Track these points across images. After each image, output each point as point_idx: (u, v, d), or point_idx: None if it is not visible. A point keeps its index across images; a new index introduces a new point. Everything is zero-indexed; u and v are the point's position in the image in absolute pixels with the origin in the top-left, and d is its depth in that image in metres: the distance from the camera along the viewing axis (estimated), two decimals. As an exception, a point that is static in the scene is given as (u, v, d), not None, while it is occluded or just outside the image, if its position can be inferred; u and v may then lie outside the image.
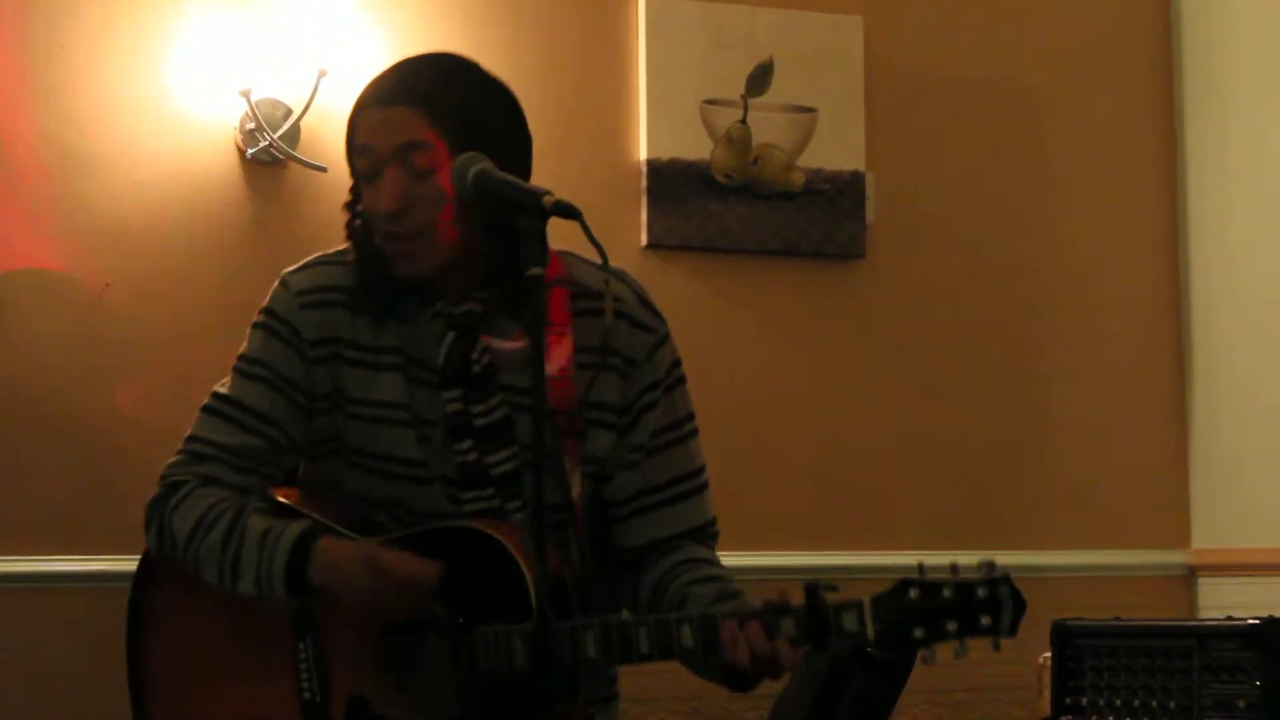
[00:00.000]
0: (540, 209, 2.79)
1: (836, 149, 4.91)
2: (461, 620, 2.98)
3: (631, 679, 4.51)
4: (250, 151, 4.37)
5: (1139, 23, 5.30)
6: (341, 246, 3.18)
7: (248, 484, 3.14)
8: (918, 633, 2.77)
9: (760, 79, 4.85)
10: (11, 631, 4.11)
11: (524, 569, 2.93)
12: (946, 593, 2.78)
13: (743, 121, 4.83)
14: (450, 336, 3.09)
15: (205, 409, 3.19)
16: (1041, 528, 5.08)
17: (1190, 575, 5.19)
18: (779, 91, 4.86)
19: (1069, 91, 5.22)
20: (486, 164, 2.94)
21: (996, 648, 2.79)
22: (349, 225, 3.15)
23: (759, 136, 4.83)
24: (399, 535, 3.05)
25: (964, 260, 5.07)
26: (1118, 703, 3.86)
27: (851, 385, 4.94)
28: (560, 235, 2.91)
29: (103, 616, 3.44)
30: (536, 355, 2.74)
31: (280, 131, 4.34)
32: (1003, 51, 5.16)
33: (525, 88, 4.62)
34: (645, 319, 3.21)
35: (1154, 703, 3.82)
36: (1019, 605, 2.82)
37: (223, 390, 3.19)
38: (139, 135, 4.31)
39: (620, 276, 3.21)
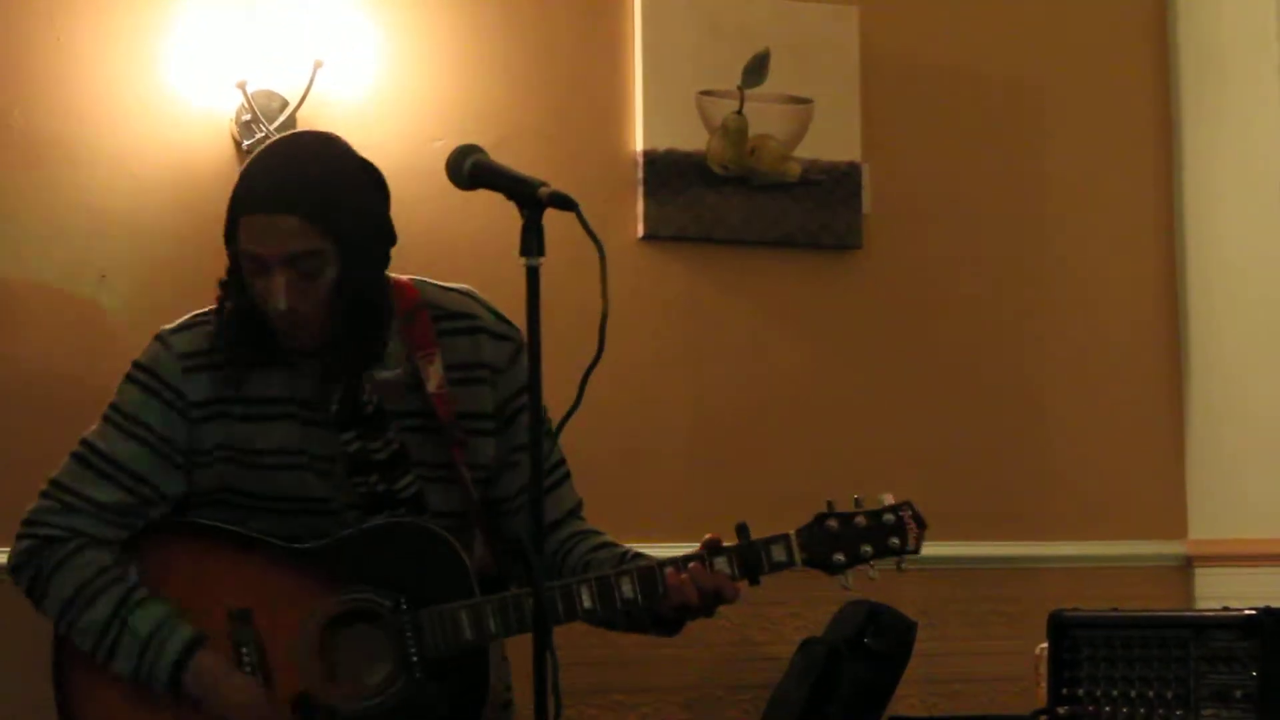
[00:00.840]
0: (537, 200, 2.80)
1: (833, 139, 4.90)
2: (404, 605, 3.12)
3: (627, 672, 4.53)
4: (246, 143, 4.36)
5: (1136, 12, 5.30)
6: (201, 309, 3.33)
7: (115, 537, 3.25)
8: (838, 557, 3.23)
9: (756, 70, 4.85)
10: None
11: (459, 553, 3.17)
12: (860, 520, 3.24)
13: (739, 112, 4.82)
14: (338, 388, 3.24)
15: (77, 458, 3.29)
16: (1038, 518, 5.08)
17: (1187, 566, 5.19)
18: (775, 82, 4.86)
19: (1065, 82, 5.22)
20: (482, 155, 2.95)
21: (900, 569, 3.23)
22: (221, 301, 3.28)
23: (755, 127, 4.83)
24: (330, 541, 3.18)
25: (960, 250, 5.07)
26: (1114, 693, 3.86)
27: (848, 375, 4.93)
28: (556, 226, 2.90)
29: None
30: (533, 345, 2.75)
31: (276, 123, 4.34)
32: (999, 42, 5.15)
33: (521, 78, 4.66)
34: (503, 330, 3.36)
35: (1151, 693, 3.82)
36: (921, 525, 3.27)
37: (96, 441, 3.29)
38: (135, 127, 4.31)
39: (468, 294, 3.39)
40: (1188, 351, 5.25)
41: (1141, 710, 3.82)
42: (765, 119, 4.84)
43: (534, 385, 2.76)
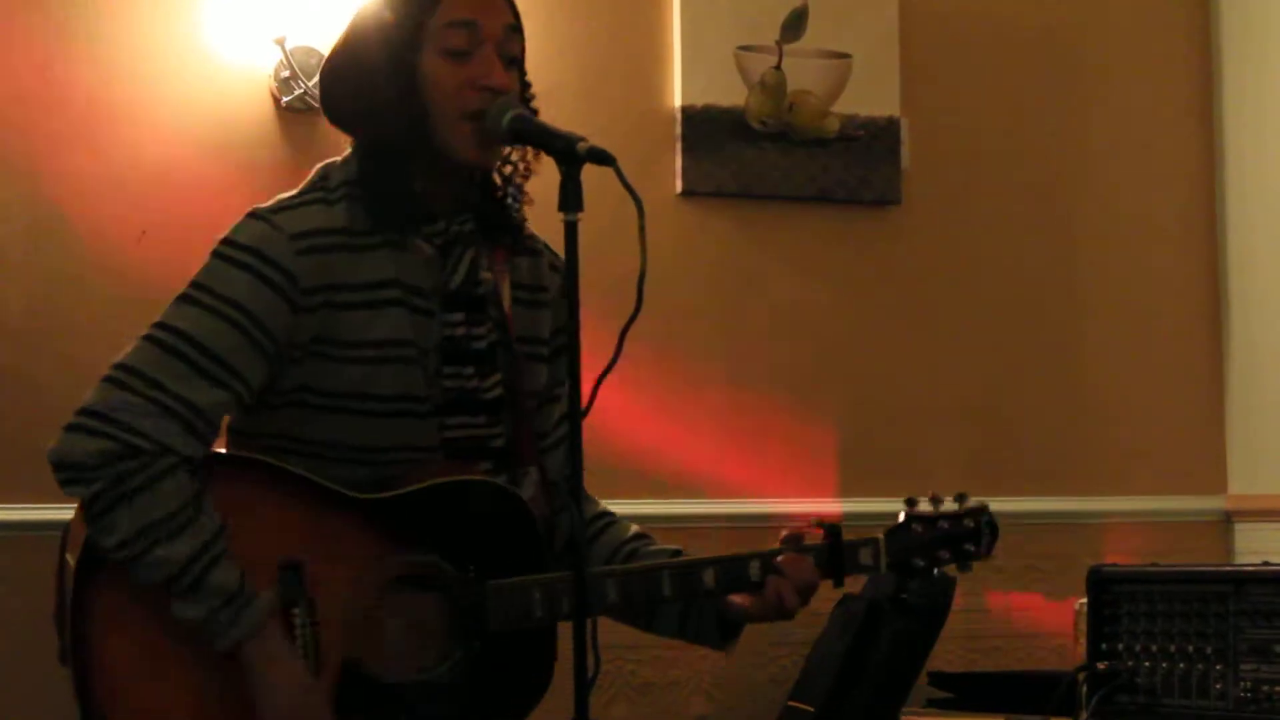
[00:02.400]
0: (575, 155, 2.79)
1: (872, 94, 4.89)
2: (472, 573, 2.96)
3: (653, 666, 4.55)
4: (285, 100, 4.37)
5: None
6: (295, 190, 3.04)
7: (199, 452, 2.88)
8: (918, 562, 3.22)
9: (795, 25, 4.83)
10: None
11: (535, 521, 3.00)
12: (942, 525, 3.23)
13: (777, 67, 4.81)
14: (470, 254, 3.04)
15: (160, 345, 2.88)
16: (1078, 474, 5.07)
17: (1227, 520, 5.19)
18: (814, 37, 4.85)
19: (1104, 34, 5.20)
20: (522, 109, 2.94)
21: (968, 569, 3.25)
22: (366, 141, 3.02)
23: (794, 82, 4.82)
24: (402, 493, 2.95)
25: (1000, 206, 5.06)
26: (1154, 648, 3.86)
27: (888, 331, 4.93)
28: (595, 182, 2.90)
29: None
30: (572, 300, 2.74)
31: (315, 80, 4.34)
32: (1039, -4, 5.14)
33: (559, 34, 4.65)
34: (558, 261, 3.17)
35: (1190, 648, 3.82)
36: (995, 531, 3.26)
37: (185, 327, 2.89)
38: (174, 84, 4.32)
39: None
40: (1228, 307, 5.24)
41: (1181, 665, 3.82)
42: (804, 74, 4.83)
43: (572, 342, 2.74)
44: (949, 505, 3.26)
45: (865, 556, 3.19)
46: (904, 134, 4.93)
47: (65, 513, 2.94)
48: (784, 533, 3.17)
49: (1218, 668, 3.78)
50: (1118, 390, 5.14)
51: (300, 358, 2.94)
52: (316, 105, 4.36)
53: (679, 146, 4.72)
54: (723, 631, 3.19)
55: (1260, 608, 3.74)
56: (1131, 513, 5.09)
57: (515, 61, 3.03)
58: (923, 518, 3.24)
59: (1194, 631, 3.82)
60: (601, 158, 2.79)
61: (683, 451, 4.63)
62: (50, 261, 4.23)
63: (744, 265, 4.80)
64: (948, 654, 4.75)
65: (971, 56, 5.05)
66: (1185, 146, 5.25)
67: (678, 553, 3.17)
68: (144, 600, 2.85)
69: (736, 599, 3.12)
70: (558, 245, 2.81)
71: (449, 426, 3.02)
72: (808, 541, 3.16)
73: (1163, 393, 5.18)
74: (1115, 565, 4.02)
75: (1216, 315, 5.24)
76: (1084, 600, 4.00)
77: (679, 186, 4.72)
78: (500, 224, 3.10)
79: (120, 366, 2.87)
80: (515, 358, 3.09)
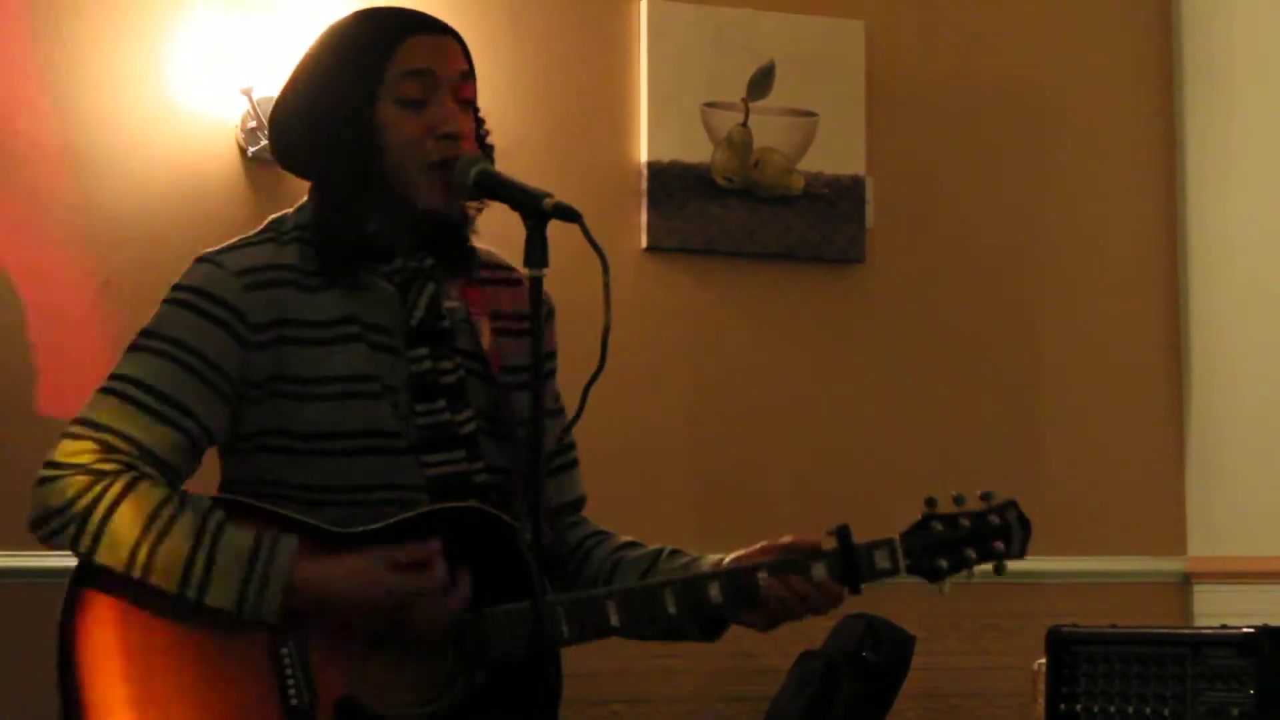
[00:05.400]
0: (541, 211, 2.79)
1: (837, 153, 4.91)
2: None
3: (625, 683, 4.53)
4: (252, 150, 4.37)
5: (1140, 29, 5.30)
6: (247, 234, 3.03)
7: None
8: (942, 563, 3.07)
9: (761, 82, 4.86)
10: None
11: (524, 545, 2.89)
12: (964, 522, 3.09)
13: (743, 124, 4.83)
14: (430, 289, 3.01)
15: (110, 393, 2.88)
16: (1038, 534, 5.02)
17: (1186, 583, 5.20)
18: (780, 95, 4.87)
19: (1070, 97, 5.23)
20: (488, 164, 2.95)
21: (999, 573, 3.07)
22: (320, 185, 3.00)
23: (760, 140, 4.84)
24: (390, 523, 2.90)
25: (963, 265, 5.08)
26: (1112, 709, 3.87)
27: (850, 389, 4.94)
28: (560, 236, 2.91)
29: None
30: (535, 355, 2.74)
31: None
32: (1004, 57, 5.16)
33: (526, 89, 4.67)
34: (542, 294, 3.06)
35: (1148, 710, 3.82)
36: (1026, 527, 3.13)
37: (131, 373, 2.88)
38: (141, 133, 4.32)
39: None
40: (1189, 368, 5.26)
41: (1139, 727, 3.83)
42: (770, 132, 4.85)
43: (534, 398, 2.74)
44: (974, 504, 3.13)
45: (882, 560, 3.05)
46: (869, 193, 4.95)
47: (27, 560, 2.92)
48: (786, 539, 3.07)
49: (1175, 730, 3.78)
50: (1078, 450, 5.15)
51: (259, 398, 2.92)
52: (283, 156, 4.37)
53: (644, 202, 4.73)
54: (703, 628, 3.11)
55: (1218, 671, 3.75)
56: (1091, 573, 5.09)
57: (470, 104, 3.03)
58: (943, 516, 3.10)
59: (1152, 694, 3.82)
60: (567, 214, 2.79)
61: (643, 504, 4.63)
62: (11, 314, 4.21)
63: (708, 321, 4.81)
64: (906, 713, 4.74)
65: (936, 116, 5.08)
66: (1149, 202, 5.28)
67: (675, 553, 3.12)
68: (135, 607, 2.82)
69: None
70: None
71: (430, 464, 2.98)
72: (806, 544, 3.05)
73: (1123, 453, 5.19)
74: (1074, 626, 4.02)
75: (1177, 376, 5.26)
76: (1043, 660, 4.00)
77: (644, 242, 4.73)
78: (459, 257, 3.07)
79: (76, 421, 2.88)
80: (496, 389, 3.06)
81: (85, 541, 2.82)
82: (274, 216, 3.07)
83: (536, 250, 2.76)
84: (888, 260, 4.99)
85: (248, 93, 4.33)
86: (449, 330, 3.04)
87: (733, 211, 4.81)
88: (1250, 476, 5.09)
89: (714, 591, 3.01)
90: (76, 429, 2.87)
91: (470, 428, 3.02)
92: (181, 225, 4.31)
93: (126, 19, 4.32)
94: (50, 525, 2.84)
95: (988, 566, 3.13)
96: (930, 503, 3.12)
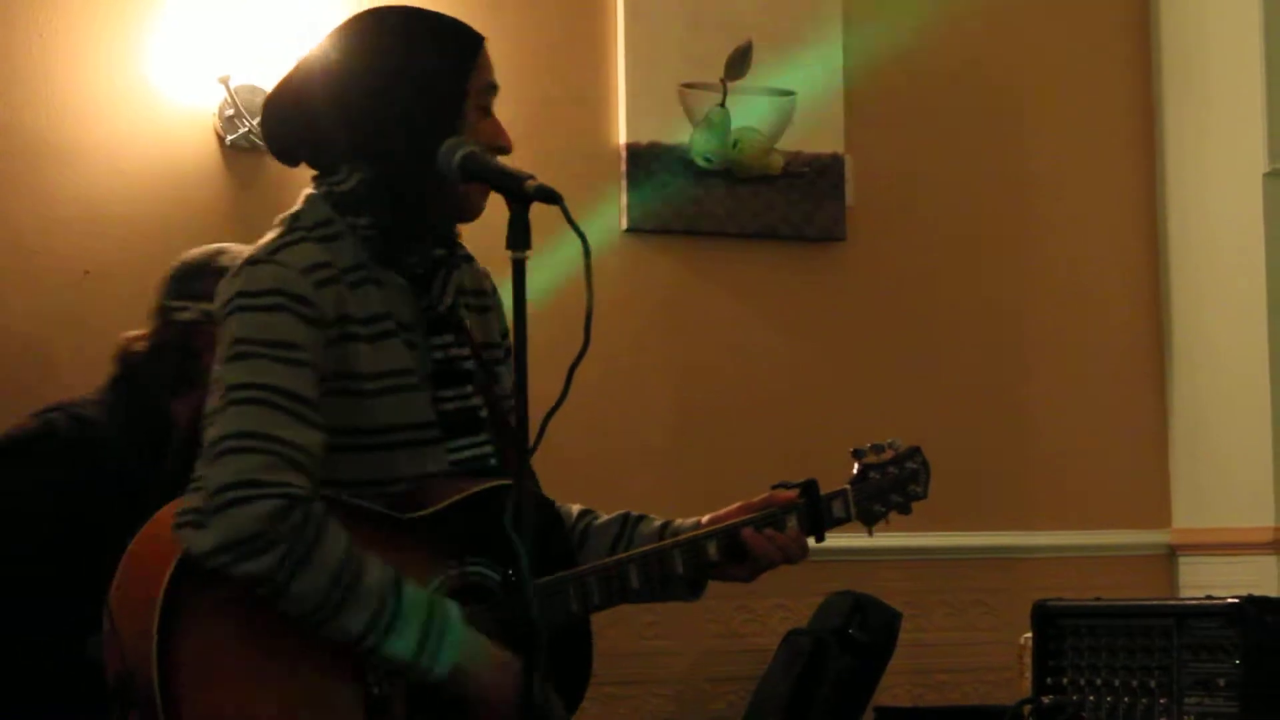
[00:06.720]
0: (523, 193, 2.79)
1: (816, 132, 4.91)
2: (512, 577, 2.96)
3: (615, 664, 4.54)
4: (229, 138, 4.37)
5: (1118, 5, 5.31)
6: (271, 237, 2.99)
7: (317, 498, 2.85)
8: (879, 508, 3.33)
9: (739, 62, 4.85)
10: None
11: (560, 519, 3.12)
12: (891, 470, 3.37)
13: (722, 105, 4.83)
14: (456, 277, 3.05)
15: (251, 403, 2.82)
16: (1023, 509, 5.09)
17: (1171, 555, 5.21)
18: (758, 75, 4.87)
19: (1048, 73, 5.23)
20: (473, 147, 2.95)
21: (908, 511, 3.35)
22: (400, 176, 2.98)
23: (738, 120, 4.84)
24: (435, 510, 2.94)
25: (944, 242, 5.09)
26: (1098, 682, 3.88)
27: (832, 367, 4.95)
28: (541, 219, 2.91)
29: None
30: (519, 339, 2.74)
31: (259, 118, 4.33)
32: (981, 34, 5.17)
33: (505, 72, 4.61)
34: (481, 267, 3.19)
35: (1134, 682, 3.83)
36: (928, 469, 3.41)
37: (256, 379, 2.83)
38: (118, 122, 4.31)
39: None
40: (1171, 342, 5.27)
41: (1125, 699, 3.84)
42: (748, 111, 4.85)
43: (520, 382, 2.74)
44: (887, 454, 3.39)
45: (838, 509, 3.28)
46: (848, 171, 4.95)
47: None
48: (762, 496, 3.23)
49: (1162, 701, 3.79)
50: (1062, 425, 5.16)
51: (325, 395, 2.90)
52: (261, 144, 4.34)
53: (624, 183, 4.73)
54: (690, 586, 3.21)
55: (1204, 641, 3.76)
56: (1076, 547, 5.11)
57: None
58: (877, 466, 3.36)
59: (1138, 666, 3.83)
60: (548, 196, 2.80)
61: (627, 485, 4.63)
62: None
63: (689, 302, 4.81)
64: (894, 688, 4.75)
65: (915, 94, 5.08)
66: (1128, 182, 5.29)
67: (624, 518, 3.23)
68: (231, 602, 2.80)
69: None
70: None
71: (455, 449, 3.02)
72: (782, 500, 3.23)
73: (1107, 428, 5.21)
74: (1060, 600, 4.03)
75: (1160, 351, 5.27)
76: (1029, 635, 4.01)
77: (624, 223, 4.73)
78: (455, 246, 3.09)
79: (226, 437, 2.80)
80: (490, 370, 3.11)
81: (284, 575, 2.78)
82: (287, 215, 3.04)
83: (520, 233, 2.76)
84: (868, 238, 4.99)
85: (225, 81, 4.32)
86: (460, 319, 3.07)
87: (712, 192, 4.81)
88: (1233, 449, 5.10)
89: (712, 549, 3.14)
90: (239, 442, 2.79)
91: (484, 413, 3.06)
92: (160, 214, 4.31)
93: (103, 7, 4.31)
94: (242, 551, 2.77)
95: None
96: (858, 454, 3.36)
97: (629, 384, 4.69)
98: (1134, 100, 5.31)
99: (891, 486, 3.36)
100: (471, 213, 3.03)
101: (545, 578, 2.97)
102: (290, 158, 3.11)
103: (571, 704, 3.04)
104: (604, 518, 3.25)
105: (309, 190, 3.06)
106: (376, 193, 3.02)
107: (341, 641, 2.80)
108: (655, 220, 4.76)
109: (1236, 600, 3.77)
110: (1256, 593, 3.84)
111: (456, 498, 2.96)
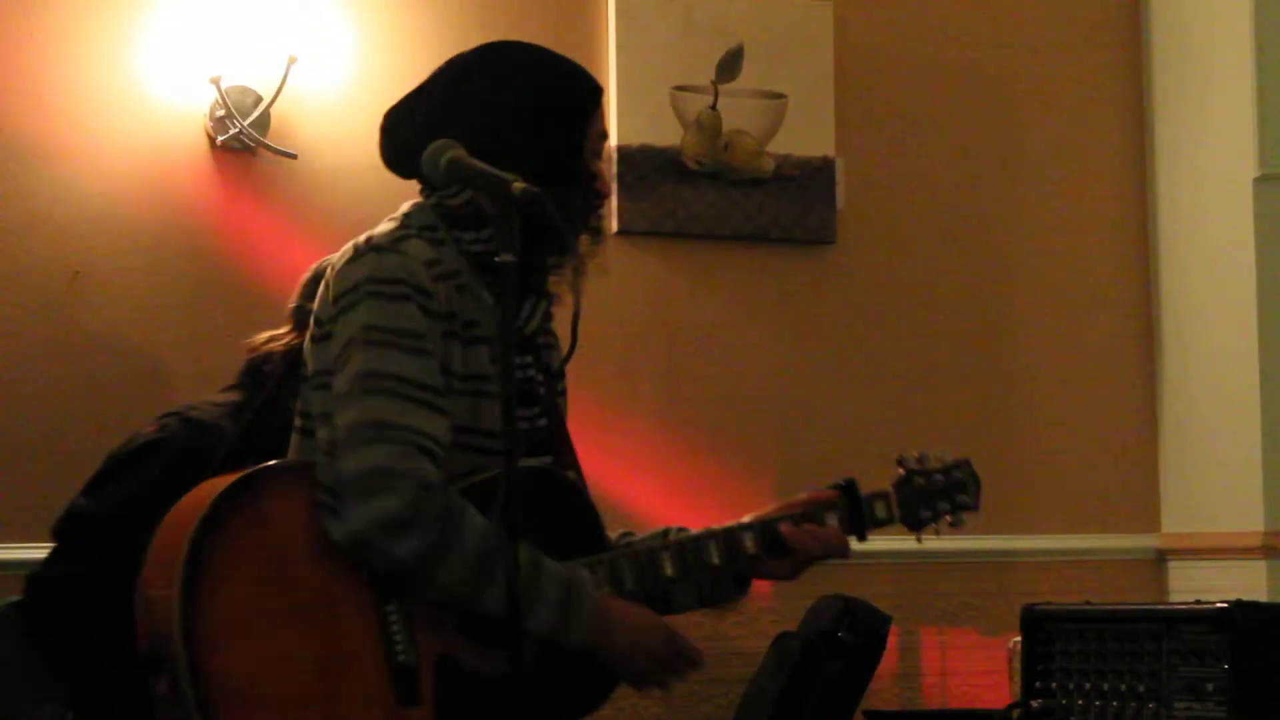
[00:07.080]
0: (509, 196, 2.79)
1: (807, 134, 4.92)
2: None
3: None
4: (220, 139, 4.36)
5: (1110, 6, 5.31)
6: (387, 229, 3.05)
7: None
8: (925, 514, 3.35)
9: (730, 65, 4.85)
10: None
11: (590, 502, 3.13)
12: (938, 478, 3.37)
13: (713, 107, 4.83)
14: (544, 303, 3.13)
15: (379, 393, 2.91)
16: (1012, 512, 5.09)
17: (1160, 559, 5.21)
18: (749, 77, 4.87)
19: (1039, 76, 5.23)
20: (459, 151, 2.95)
21: (960, 523, 3.34)
22: (548, 210, 2.92)
23: (729, 122, 4.84)
24: (475, 482, 3.01)
25: (935, 244, 5.09)
26: (1087, 686, 3.88)
27: (823, 369, 4.94)
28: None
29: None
30: (506, 340, 2.75)
31: (250, 119, 4.34)
32: (972, 36, 5.16)
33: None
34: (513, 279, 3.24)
35: (1123, 686, 3.83)
36: (979, 482, 3.41)
37: (386, 368, 2.91)
38: (109, 123, 4.31)
39: None
40: (1161, 347, 5.27)
41: (1114, 703, 3.84)
42: (739, 114, 4.85)
43: (506, 382, 2.75)
44: (934, 462, 3.40)
45: (880, 510, 3.31)
46: (839, 174, 4.95)
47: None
48: (802, 495, 3.28)
49: (1150, 706, 3.79)
50: (1052, 429, 5.16)
51: None
52: (251, 144, 4.36)
53: (614, 186, 4.73)
54: (737, 582, 3.28)
55: (1193, 646, 3.76)
56: (1066, 551, 5.10)
57: None
58: (923, 471, 3.38)
59: (1127, 670, 3.84)
60: (534, 199, 2.80)
61: (616, 487, 4.63)
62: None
63: (680, 304, 4.81)
64: (883, 692, 4.75)
65: (906, 97, 5.08)
66: (1119, 186, 5.29)
67: (665, 531, 3.26)
68: (256, 562, 2.88)
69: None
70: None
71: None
72: (821, 498, 3.27)
73: (1097, 432, 5.20)
74: (1049, 604, 4.04)
75: (1150, 354, 5.27)
76: (1018, 638, 4.01)
77: (614, 226, 4.73)
78: (546, 278, 3.17)
79: (359, 425, 2.90)
80: (554, 398, 3.19)
81: (433, 556, 2.88)
82: (401, 213, 3.08)
83: (506, 236, 2.76)
84: (858, 241, 4.99)
85: (216, 81, 4.32)
86: (539, 342, 3.16)
87: (703, 194, 4.81)
88: (1222, 453, 5.10)
89: (750, 542, 3.19)
90: (375, 432, 2.89)
91: (547, 430, 3.16)
92: (151, 214, 4.31)
93: (93, 8, 4.31)
94: (391, 535, 2.87)
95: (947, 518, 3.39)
96: (903, 461, 3.36)
97: (619, 386, 4.69)
98: (1125, 105, 5.31)
99: (939, 493, 3.37)
100: (573, 246, 3.08)
101: (580, 559, 3.05)
102: (404, 170, 3.14)
103: (587, 707, 3.11)
104: (645, 535, 3.29)
105: (415, 200, 3.11)
106: (483, 216, 3.06)
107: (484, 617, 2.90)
108: (645, 223, 4.76)
109: (1225, 605, 3.77)
110: (1245, 597, 3.85)
111: (475, 480, 3.00)
